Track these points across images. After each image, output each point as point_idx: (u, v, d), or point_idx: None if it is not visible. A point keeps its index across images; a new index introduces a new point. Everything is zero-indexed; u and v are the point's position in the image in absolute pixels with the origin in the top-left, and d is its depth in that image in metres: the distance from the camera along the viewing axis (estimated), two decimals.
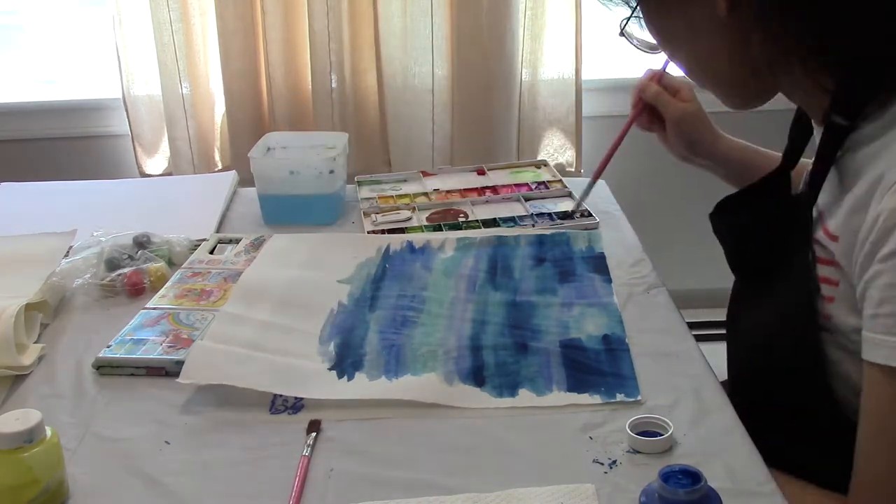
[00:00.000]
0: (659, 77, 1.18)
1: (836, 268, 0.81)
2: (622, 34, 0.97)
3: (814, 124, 0.93)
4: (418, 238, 1.25)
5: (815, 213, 0.85)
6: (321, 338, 1.00)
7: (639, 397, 0.87)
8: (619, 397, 0.88)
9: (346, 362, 0.95)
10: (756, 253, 0.95)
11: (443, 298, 1.08)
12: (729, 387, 0.93)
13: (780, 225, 0.91)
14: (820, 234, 0.83)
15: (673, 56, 0.94)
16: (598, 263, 1.16)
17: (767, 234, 0.94)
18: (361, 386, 0.91)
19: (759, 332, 0.91)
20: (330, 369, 0.94)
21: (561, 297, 1.07)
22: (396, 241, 1.24)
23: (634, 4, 0.90)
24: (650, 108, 1.19)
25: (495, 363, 0.94)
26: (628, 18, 0.94)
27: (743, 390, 0.97)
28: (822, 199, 0.84)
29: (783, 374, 0.86)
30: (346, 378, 0.93)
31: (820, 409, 0.84)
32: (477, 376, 0.92)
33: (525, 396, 0.89)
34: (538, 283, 1.11)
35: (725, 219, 1.03)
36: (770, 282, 0.90)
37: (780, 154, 1.05)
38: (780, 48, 0.82)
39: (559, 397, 0.88)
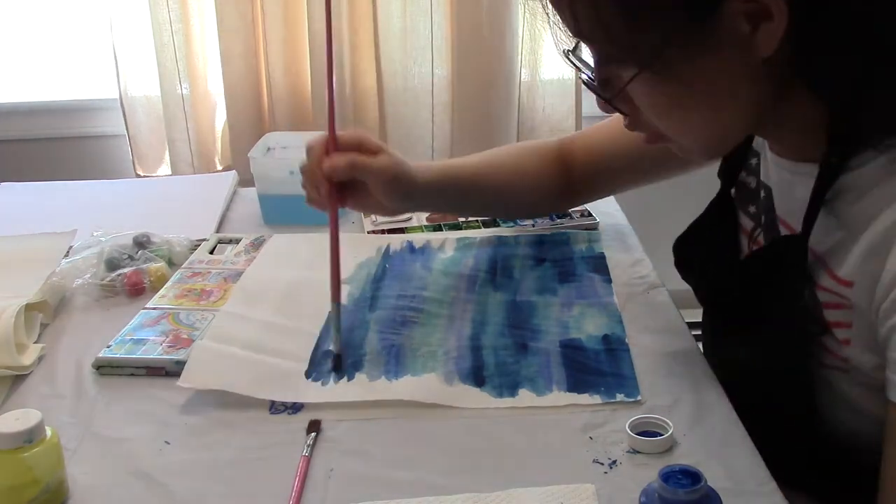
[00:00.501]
0: (327, 146, 1.00)
1: (848, 310, 0.78)
2: (586, 84, 0.85)
3: (770, 152, 0.89)
4: (418, 238, 1.25)
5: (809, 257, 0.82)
6: (319, 339, 1.00)
7: (639, 397, 0.87)
8: (619, 397, 0.88)
9: (345, 363, 0.95)
10: (734, 297, 0.91)
11: (443, 298, 1.08)
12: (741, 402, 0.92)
13: (762, 266, 0.88)
14: (827, 282, 0.79)
15: (669, 111, 0.79)
16: (598, 263, 1.16)
17: (743, 270, 0.91)
18: (361, 387, 0.91)
19: (747, 366, 0.88)
20: (328, 370, 0.94)
21: (561, 297, 1.07)
22: (396, 241, 1.24)
23: (634, 72, 0.76)
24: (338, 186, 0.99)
25: (495, 363, 0.94)
26: (627, 83, 0.78)
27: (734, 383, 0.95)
28: (816, 241, 0.80)
29: (776, 406, 0.86)
30: (345, 378, 0.93)
31: (812, 441, 0.84)
32: (477, 376, 0.92)
33: (525, 396, 0.89)
34: (538, 283, 1.11)
35: (689, 263, 1.00)
36: (753, 317, 0.87)
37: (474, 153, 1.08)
38: (809, 90, 0.77)
39: (559, 397, 0.88)
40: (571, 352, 0.95)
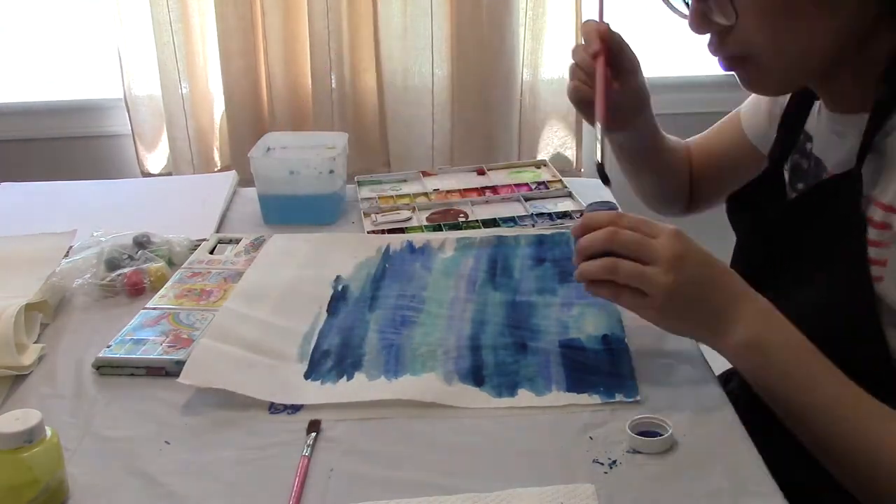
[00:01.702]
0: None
1: (884, 247, 0.81)
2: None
3: (825, 115, 0.93)
4: (418, 238, 1.25)
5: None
6: (305, 336, 1.01)
7: (638, 397, 0.87)
8: (619, 397, 0.88)
9: (345, 362, 0.95)
10: (784, 245, 0.94)
11: (442, 298, 1.08)
12: (738, 382, 0.92)
13: (812, 214, 0.90)
14: (877, 213, 0.82)
15: (770, 19, 0.83)
16: None
17: (797, 226, 0.92)
18: (360, 386, 0.91)
19: (804, 320, 0.87)
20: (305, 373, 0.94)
21: (561, 296, 1.07)
22: (396, 241, 1.24)
23: None
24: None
25: (495, 363, 0.94)
26: None
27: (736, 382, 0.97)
28: (866, 179, 0.84)
29: (841, 357, 0.84)
30: (345, 378, 0.93)
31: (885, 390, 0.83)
32: (476, 376, 0.92)
33: (524, 396, 0.89)
34: (538, 283, 1.11)
35: (738, 215, 1.04)
36: (803, 268, 0.89)
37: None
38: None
39: (558, 397, 0.88)
40: (571, 352, 0.95)
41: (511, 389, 0.90)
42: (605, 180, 1.01)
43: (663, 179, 1.29)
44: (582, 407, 0.87)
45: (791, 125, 1.02)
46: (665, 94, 1.41)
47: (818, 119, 0.97)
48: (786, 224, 0.95)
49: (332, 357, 0.96)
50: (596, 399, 0.88)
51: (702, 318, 0.86)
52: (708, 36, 0.89)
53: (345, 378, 0.93)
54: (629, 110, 1.15)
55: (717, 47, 0.88)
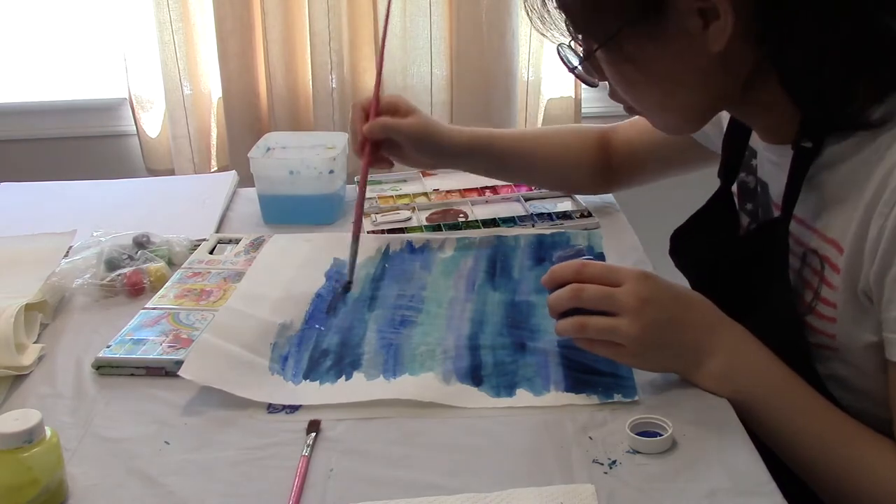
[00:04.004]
0: (367, 108, 1.16)
1: (835, 290, 0.82)
2: (562, 60, 0.95)
3: (761, 143, 0.94)
4: (418, 238, 1.25)
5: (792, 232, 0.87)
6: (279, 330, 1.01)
7: (636, 398, 0.87)
8: (617, 398, 0.88)
9: (344, 362, 0.95)
10: (726, 282, 0.95)
11: (442, 298, 1.08)
12: None
13: (751, 249, 0.93)
14: (825, 248, 0.83)
15: (628, 88, 0.89)
16: None
17: (737, 261, 0.94)
18: (359, 386, 0.91)
19: None
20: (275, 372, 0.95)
21: None
22: (396, 241, 1.24)
23: (596, 47, 0.86)
24: (373, 144, 1.15)
25: (493, 363, 0.94)
26: (588, 54, 0.89)
27: None
28: (805, 213, 0.86)
29: None
30: (343, 378, 0.93)
31: None
32: (474, 376, 0.92)
33: (523, 396, 0.89)
34: (537, 283, 1.11)
35: (685, 251, 1.04)
36: (747, 307, 0.90)
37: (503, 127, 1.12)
38: (769, 73, 0.83)
39: (557, 397, 0.88)
40: (569, 352, 0.95)
41: (509, 389, 0.90)
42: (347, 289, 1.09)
43: (554, 169, 1.31)
44: (581, 407, 0.87)
45: (735, 146, 1.01)
46: None
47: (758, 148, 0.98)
48: (730, 265, 0.96)
49: (331, 357, 0.96)
50: (594, 399, 0.87)
51: (677, 355, 0.87)
52: None
53: (343, 378, 0.93)
54: (432, 157, 1.22)
55: (611, 96, 0.94)
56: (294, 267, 1.17)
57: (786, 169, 0.87)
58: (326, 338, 1.00)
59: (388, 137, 1.16)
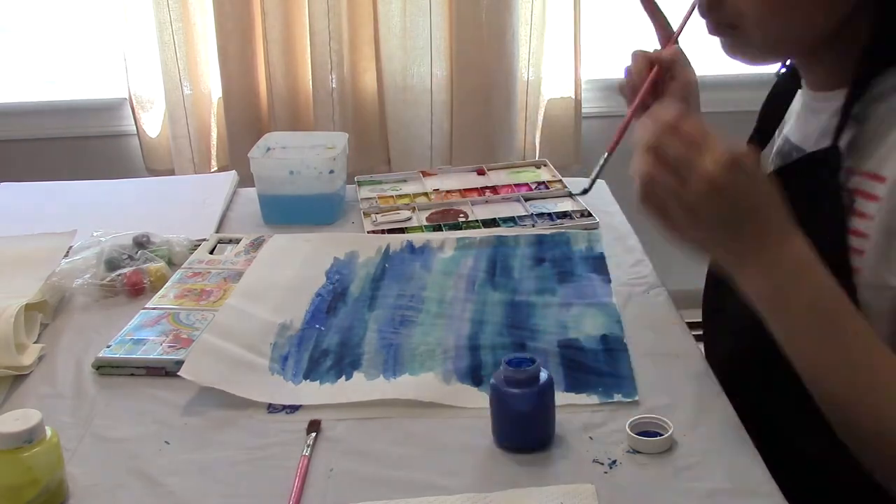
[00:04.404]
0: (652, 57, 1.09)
1: (868, 220, 0.81)
2: None
3: (808, 92, 0.94)
4: (418, 238, 1.25)
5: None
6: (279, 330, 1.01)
7: (636, 398, 0.87)
8: (617, 397, 0.88)
9: (344, 362, 0.95)
10: None
11: (442, 298, 1.08)
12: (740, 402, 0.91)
13: (790, 189, 0.88)
14: (859, 181, 0.83)
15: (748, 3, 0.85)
16: (598, 263, 1.16)
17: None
18: (359, 386, 0.91)
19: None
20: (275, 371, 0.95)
21: (560, 297, 1.07)
22: (396, 241, 1.24)
23: None
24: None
25: (493, 363, 0.94)
26: None
27: (734, 378, 0.95)
28: (845, 150, 0.85)
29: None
30: (343, 378, 0.93)
31: None
32: (474, 376, 0.92)
33: None
34: (537, 284, 1.11)
35: None
36: None
37: None
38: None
39: (557, 397, 0.88)
40: (569, 352, 0.95)
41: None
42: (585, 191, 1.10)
43: None
44: (581, 407, 0.87)
45: (770, 113, 1.02)
46: None
47: (799, 103, 0.98)
48: None
49: (331, 357, 0.96)
50: (594, 399, 0.88)
51: (734, 237, 0.80)
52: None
53: (343, 378, 0.93)
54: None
55: (707, 10, 0.89)
56: (294, 267, 1.17)
57: (825, 114, 0.88)
58: (326, 338, 1.00)
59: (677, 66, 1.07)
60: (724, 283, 0.88)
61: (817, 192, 0.86)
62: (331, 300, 1.09)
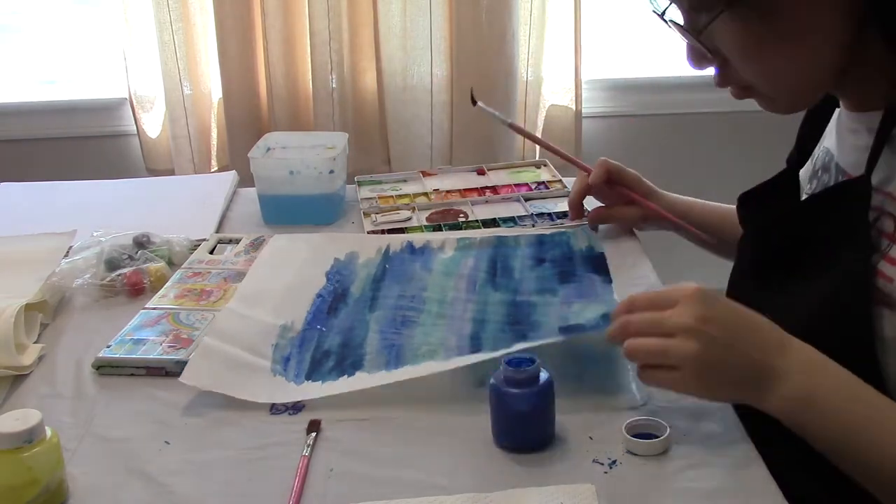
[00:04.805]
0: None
1: None
2: (679, 29, 0.88)
3: (846, 112, 0.94)
4: (418, 238, 1.25)
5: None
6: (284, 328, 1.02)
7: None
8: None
9: (346, 362, 0.95)
10: (792, 243, 0.93)
11: (443, 298, 1.08)
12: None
13: (825, 208, 0.90)
14: (892, 205, 0.82)
15: (752, 51, 0.85)
16: (598, 263, 1.15)
17: (806, 222, 0.92)
18: (361, 380, 0.92)
19: (803, 320, 0.85)
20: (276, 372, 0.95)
21: (561, 296, 1.07)
22: (396, 241, 1.24)
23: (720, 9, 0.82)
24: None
25: (493, 348, 0.94)
26: (710, 21, 0.84)
27: None
28: (882, 180, 0.85)
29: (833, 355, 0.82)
30: (346, 376, 0.93)
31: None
32: (473, 349, 0.94)
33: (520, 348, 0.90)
34: (538, 284, 1.11)
35: (750, 211, 1.04)
36: (809, 267, 0.89)
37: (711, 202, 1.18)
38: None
39: (556, 343, 0.90)
40: (570, 345, 0.94)
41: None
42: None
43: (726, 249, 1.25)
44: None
45: (808, 131, 1.02)
46: (671, 95, 1.42)
47: (837, 119, 0.98)
48: (794, 223, 0.94)
49: (333, 357, 0.96)
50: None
51: (743, 378, 0.80)
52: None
53: (345, 376, 0.93)
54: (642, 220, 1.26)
55: (719, 82, 0.91)
56: (294, 268, 1.17)
57: (864, 134, 0.88)
58: (328, 338, 1.00)
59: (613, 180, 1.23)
60: (758, 291, 0.89)
61: (848, 222, 0.86)
62: (331, 301, 1.09)
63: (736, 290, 1.00)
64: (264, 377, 0.93)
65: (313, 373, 0.94)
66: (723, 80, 0.90)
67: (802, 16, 0.82)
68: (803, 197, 1.01)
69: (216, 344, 0.96)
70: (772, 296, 0.90)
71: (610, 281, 1.11)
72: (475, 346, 0.97)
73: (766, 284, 0.94)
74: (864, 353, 0.83)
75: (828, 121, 1.00)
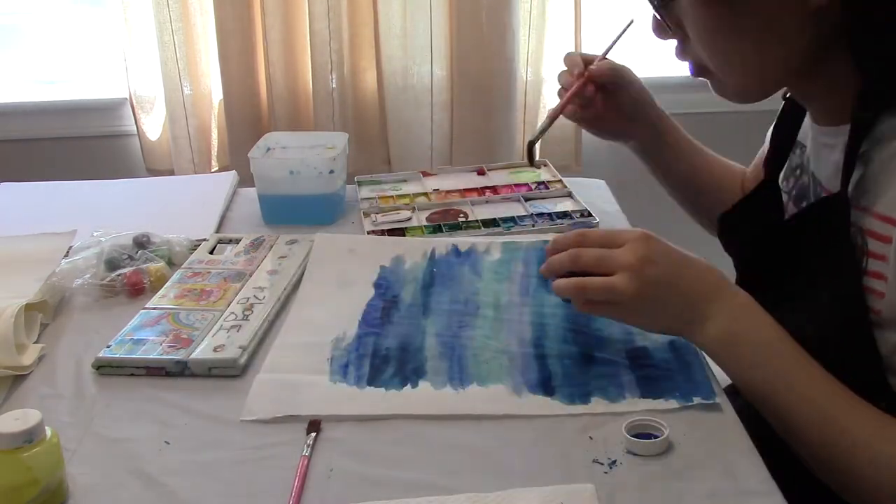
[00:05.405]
0: (586, 59, 1.22)
1: (885, 262, 0.81)
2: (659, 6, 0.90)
3: (815, 125, 0.93)
4: (463, 242, 1.23)
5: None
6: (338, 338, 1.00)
7: (716, 399, 0.86)
8: (696, 400, 0.86)
9: (407, 368, 0.94)
10: (777, 263, 0.94)
11: (497, 302, 1.06)
12: (740, 402, 0.91)
13: (806, 226, 0.91)
14: (873, 223, 0.82)
15: (713, 36, 0.87)
16: None
17: (788, 241, 0.93)
18: (429, 398, 0.89)
19: (800, 336, 0.87)
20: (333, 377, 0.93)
21: None
22: (441, 244, 1.22)
23: None
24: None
25: (563, 374, 0.92)
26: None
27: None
28: (859, 194, 0.85)
29: (839, 374, 0.84)
30: (409, 386, 0.91)
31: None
32: (546, 387, 0.90)
33: (598, 404, 0.87)
34: None
35: (732, 226, 1.04)
36: (798, 288, 0.90)
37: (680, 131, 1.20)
38: (847, 43, 0.83)
39: (634, 403, 0.86)
40: (640, 361, 0.93)
41: (584, 398, 0.88)
42: (531, 159, 1.19)
43: (703, 199, 1.27)
44: (661, 413, 0.85)
45: (783, 136, 1.02)
46: (669, 95, 1.41)
47: (810, 129, 0.98)
48: (779, 246, 0.95)
49: (393, 363, 0.95)
50: (673, 403, 0.86)
51: (677, 314, 0.88)
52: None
53: (409, 386, 0.91)
54: (628, 117, 1.24)
55: (679, 55, 0.93)
56: (341, 285, 1.13)
57: (837, 149, 0.87)
58: (385, 343, 0.99)
59: (612, 81, 1.21)
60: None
61: (830, 238, 0.86)
62: (383, 307, 1.07)
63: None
64: (326, 389, 0.91)
65: (374, 379, 0.92)
66: (682, 54, 0.93)
67: (763, 12, 0.83)
68: (787, 205, 1.01)
69: (269, 377, 0.94)
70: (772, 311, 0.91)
71: None
72: (539, 351, 0.96)
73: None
74: (869, 371, 0.83)
75: (798, 127, 1.00)
